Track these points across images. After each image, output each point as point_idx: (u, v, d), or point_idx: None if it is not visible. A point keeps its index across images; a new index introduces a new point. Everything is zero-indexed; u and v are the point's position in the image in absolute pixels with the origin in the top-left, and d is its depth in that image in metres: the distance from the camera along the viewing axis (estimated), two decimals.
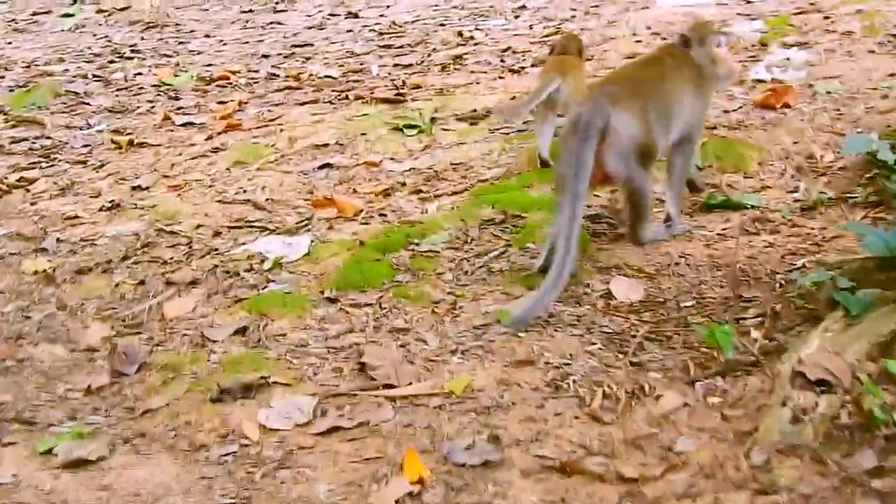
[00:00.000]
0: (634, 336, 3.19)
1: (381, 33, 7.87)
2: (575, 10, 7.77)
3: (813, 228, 3.75)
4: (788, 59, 5.60)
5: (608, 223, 3.98)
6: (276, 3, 9.70)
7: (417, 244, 3.96)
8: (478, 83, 5.93)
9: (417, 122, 5.29)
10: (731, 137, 4.55)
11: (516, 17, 7.88)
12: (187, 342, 3.45)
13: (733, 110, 4.94)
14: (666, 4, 7.25)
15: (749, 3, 7.19)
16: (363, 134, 5.25)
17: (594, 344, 3.18)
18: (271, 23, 8.93)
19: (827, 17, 6.38)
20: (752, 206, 3.96)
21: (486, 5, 8.44)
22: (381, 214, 4.33)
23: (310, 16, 9.09)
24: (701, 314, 3.27)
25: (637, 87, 3.72)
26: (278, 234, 4.25)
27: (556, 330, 3.27)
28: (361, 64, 6.96)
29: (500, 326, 3.32)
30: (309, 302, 3.61)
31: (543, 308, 3.36)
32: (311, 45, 7.81)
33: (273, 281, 3.83)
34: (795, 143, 4.47)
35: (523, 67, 6.22)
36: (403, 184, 4.64)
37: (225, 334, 3.45)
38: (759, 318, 3.17)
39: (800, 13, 6.62)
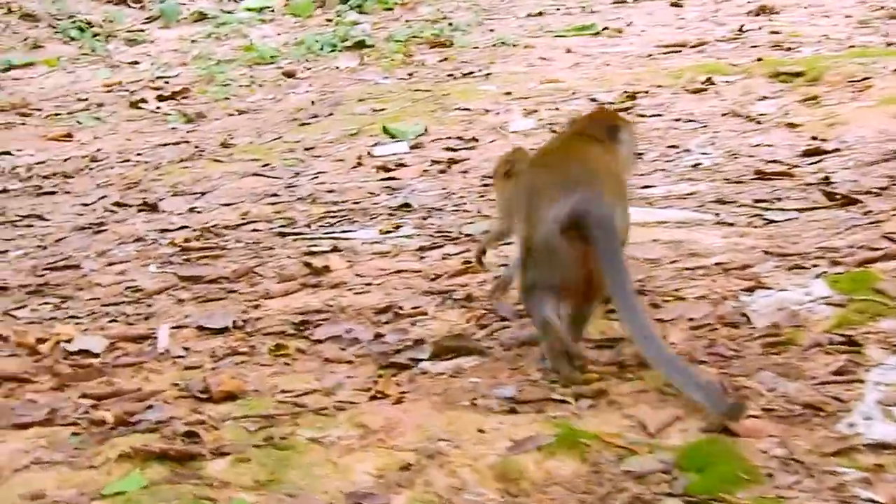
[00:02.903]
0: None
1: (185, 248, 5.15)
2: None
3: None
4: None
5: None
6: (39, 186, 6.76)
7: None
8: (339, 406, 3.26)
9: None
10: None
11: (397, 226, 5.20)
12: None
13: None
14: None
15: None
16: None
17: None
18: (27, 216, 6.07)
19: None
20: None
21: (350, 200, 5.76)
22: None
23: (87, 205, 6.21)
24: None
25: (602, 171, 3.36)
26: None
27: None
28: (146, 319, 4.27)
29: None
30: None
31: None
32: (77, 266, 5.05)
33: None
34: None
35: (417, 360, 3.58)
36: None
37: None
38: None
39: (879, 260, 3.89)
